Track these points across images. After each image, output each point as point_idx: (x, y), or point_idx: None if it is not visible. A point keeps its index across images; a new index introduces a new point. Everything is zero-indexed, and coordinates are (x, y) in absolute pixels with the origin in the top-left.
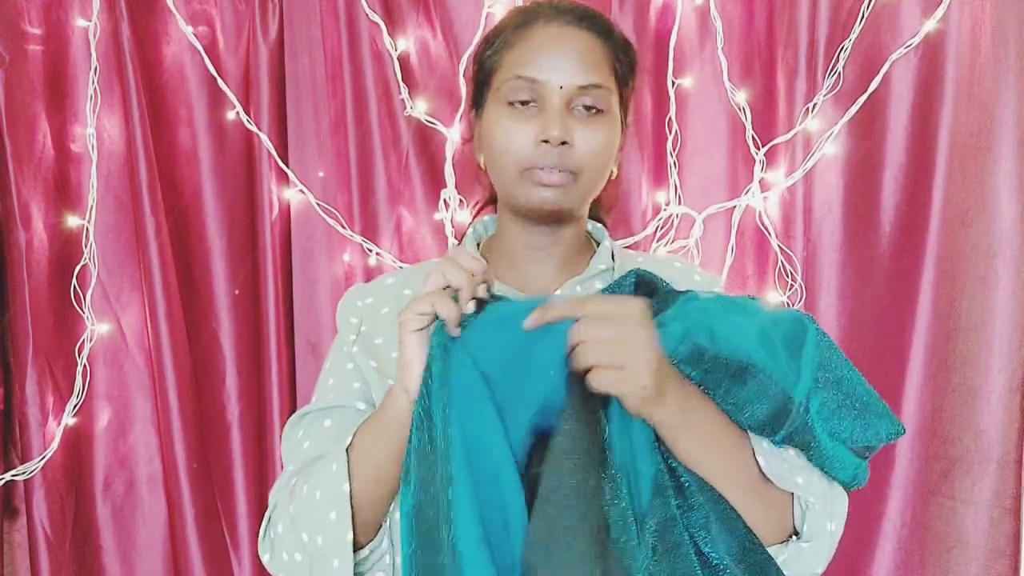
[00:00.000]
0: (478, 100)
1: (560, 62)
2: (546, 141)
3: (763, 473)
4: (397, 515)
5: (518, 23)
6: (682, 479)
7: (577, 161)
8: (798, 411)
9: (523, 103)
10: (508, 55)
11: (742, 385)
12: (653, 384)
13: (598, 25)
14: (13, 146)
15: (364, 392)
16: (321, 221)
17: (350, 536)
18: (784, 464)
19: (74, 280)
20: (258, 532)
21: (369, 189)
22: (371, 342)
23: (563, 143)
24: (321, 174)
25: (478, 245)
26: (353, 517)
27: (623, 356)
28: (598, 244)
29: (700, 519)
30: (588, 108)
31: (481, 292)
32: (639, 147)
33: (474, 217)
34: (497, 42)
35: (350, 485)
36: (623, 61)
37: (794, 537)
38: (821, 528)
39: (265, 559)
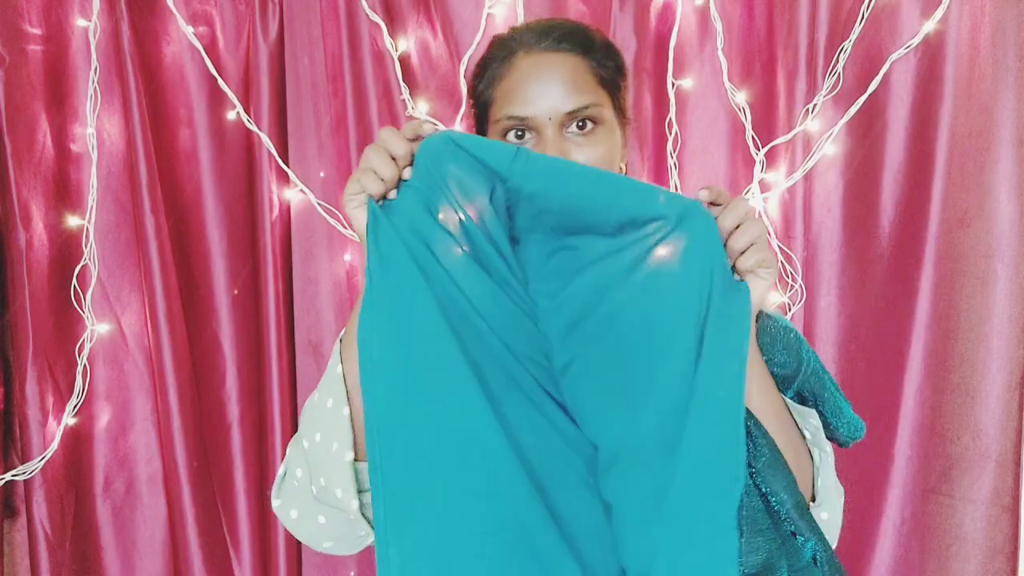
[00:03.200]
0: (481, 129)
1: (544, 92)
2: None
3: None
4: None
5: (503, 55)
6: (747, 422)
7: None
8: (807, 357)
9: (519, 138)
10: (498, 90)
11: (762, 334)
12: None
13: (577, 42)
14: (13, 146)
15: None
16: (322, 221)
17: (347, 411)
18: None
19: (74, 280)
20: (258, 532)
21: None
22: None
23: None
24: (322, 174)
25: None
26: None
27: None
28: None
29: (763, 460)
30: (581, 127)
31: (407, 175)
32: (639, 147)
33: None
34: (487, 76)
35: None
36: (608, 67)
37: (811, 503)
38: (833, 500)
39: (276, 504)
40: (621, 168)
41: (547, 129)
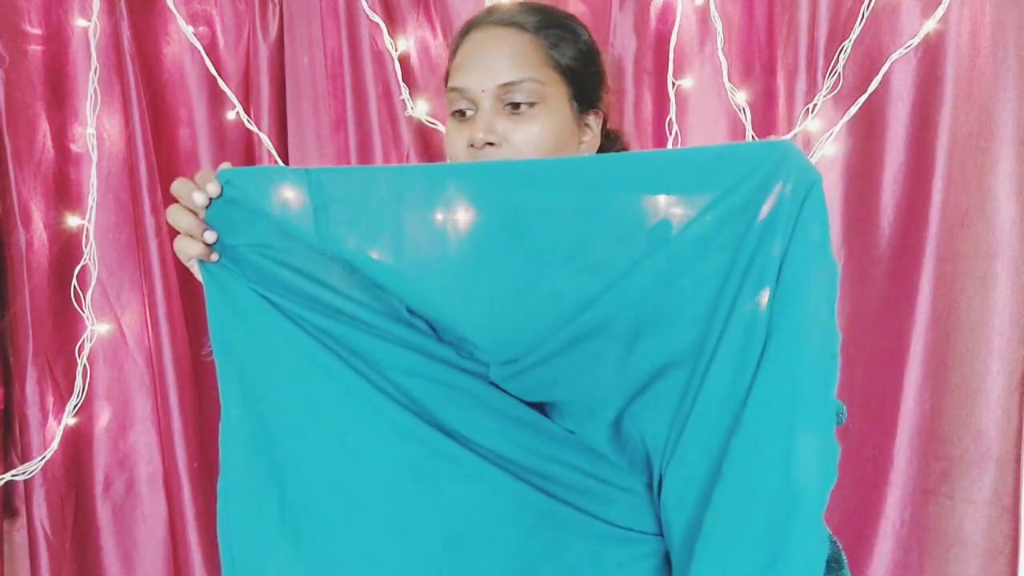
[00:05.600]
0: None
1: (483, 65)
2: (472, 146)
3: None
4: None
5: (462, 32)
6: None
7: (511, 158)
8: None
9: (461, 113)
10: (451, 64)
11: None
12: None
13: (531, 20)
14: (13, 146)
15: None
16: None
17: None
18: None
19: (74, 280)
20: None
21: None
22: None
23: (489, 144)
24: None
25: None
26: None
27: None
28: None
29: None
30: (517, 104)
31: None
32: (639, 148)
33: None
34: (451, 54)
35: None
36: (566, 51)
37: None
38: None
39: None
40: None
41: (482, 101)
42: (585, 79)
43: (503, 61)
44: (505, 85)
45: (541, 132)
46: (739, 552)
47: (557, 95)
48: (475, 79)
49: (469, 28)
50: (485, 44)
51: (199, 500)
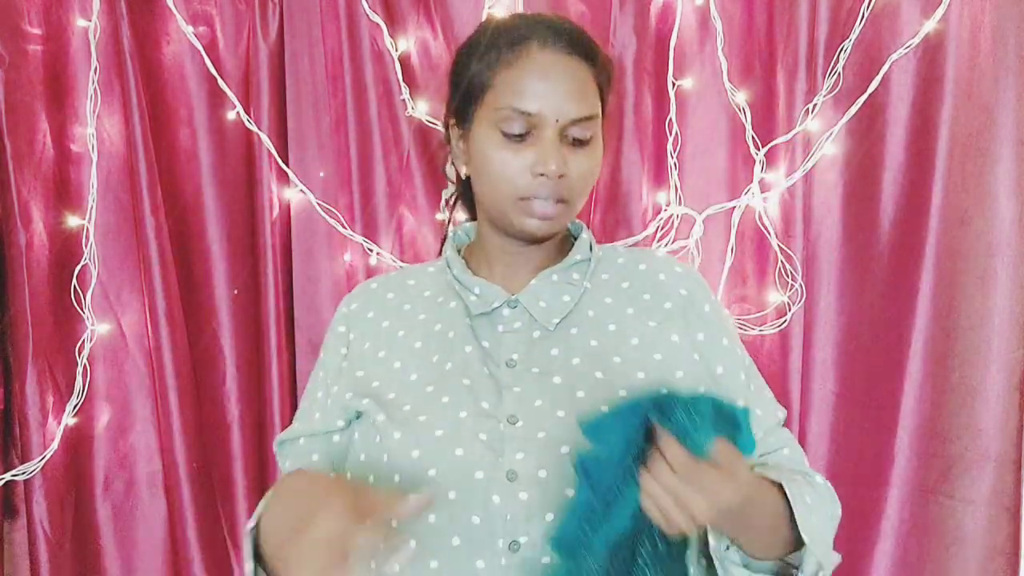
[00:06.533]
0: (464, 111)
1: (555, 93)
2: (542, 174)
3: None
4: None
5: (511, 40)
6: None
7: (570, 190)
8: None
9: (518, 136)
10: (502, 75)
11: None
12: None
13: (586, 50)
14: (13, 146)
15: (325, 422)
16: (322, 221)
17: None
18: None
19: (74, 280)
20: None
21: (370, 189)
22: (360, 347)
23: (560, 176)
24: (322, 174)
25: (459, 251)
26: None
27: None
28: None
29: None
30: (579, 138)
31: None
32: (639, 148)
33: (450, 213)
34: (488, 57)
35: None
36: (605, 78)
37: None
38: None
39: None
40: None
41: (548, 129)
42: (607, 104)
43: (576, 93)
44: (577, 120)
45: (592, 166)
46: None
47: (600, 127)
48: (550, 106)
49: (526, 37)
50: (556, 72)
51: (199, 500)
